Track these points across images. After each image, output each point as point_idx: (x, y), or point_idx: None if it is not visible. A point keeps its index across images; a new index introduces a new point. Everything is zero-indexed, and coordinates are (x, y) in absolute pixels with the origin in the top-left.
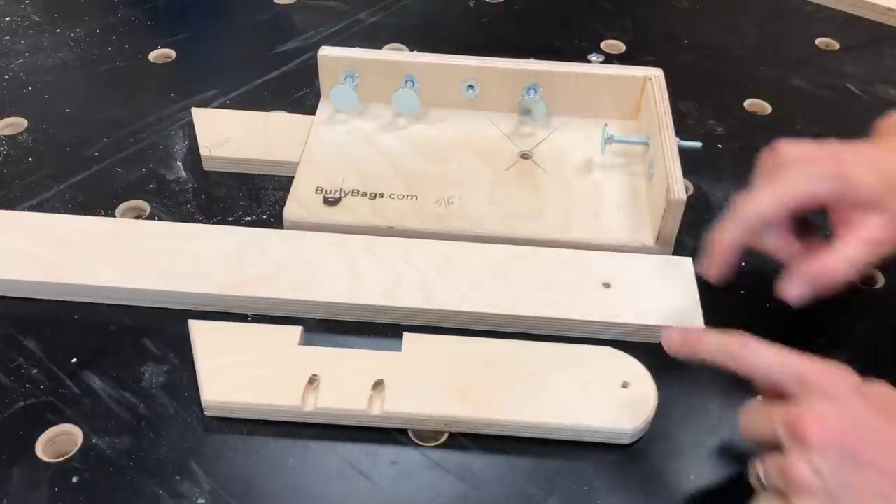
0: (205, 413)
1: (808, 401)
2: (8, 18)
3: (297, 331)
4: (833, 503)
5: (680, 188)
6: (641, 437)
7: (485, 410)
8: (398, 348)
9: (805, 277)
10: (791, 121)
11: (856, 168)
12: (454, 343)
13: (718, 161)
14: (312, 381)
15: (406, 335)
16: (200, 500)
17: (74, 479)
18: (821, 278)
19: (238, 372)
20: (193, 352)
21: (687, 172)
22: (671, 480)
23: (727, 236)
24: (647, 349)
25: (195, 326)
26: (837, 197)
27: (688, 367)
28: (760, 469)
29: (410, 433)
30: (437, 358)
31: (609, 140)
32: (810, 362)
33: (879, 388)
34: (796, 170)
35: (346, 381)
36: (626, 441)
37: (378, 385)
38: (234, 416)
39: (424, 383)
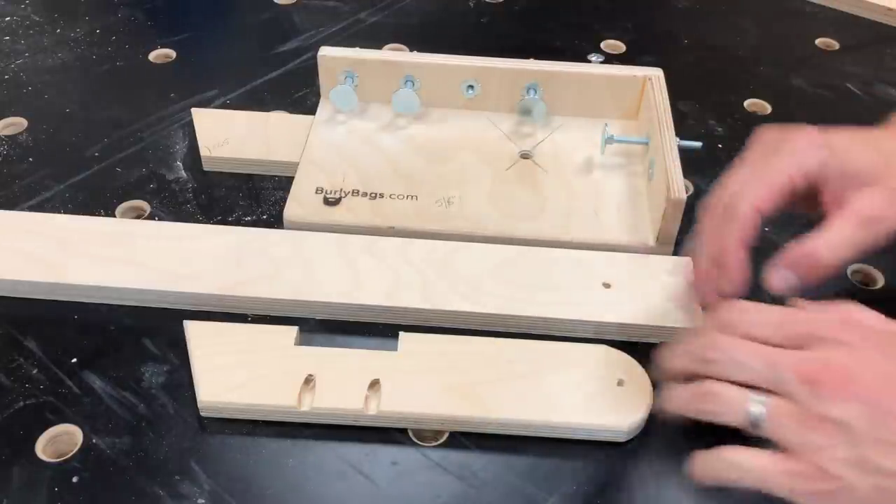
0: (200, 414)
1: (822, 349)
2: (8, 18)
3: (293, 331)
4: (855, 455)
5: (680, 188)
6: (642, 437)
7: (481, 409)
8: (396, 348)
9: (788, 264)
10: (791, 121)
11: (845, 141)
12: (450, 342)
13: (718, 161)
14: (308, 380)
15: (402, 335)
16: (200, 500)
17: (74, 479)
18: (805, 265)
19: (234, 372)
20: (189, 352)
21: (687, 172)
22: (672, 481)
23: (733, 242)
24: (648, 349)
25: (191, 327)
26: (827, 168)
27: None
28: (757, 409)
29: (410, 433)
30: (434, 357)
31: (609, 140)
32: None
33: (878, 323)
34: (781, 151)
35: (342, 381)
36: (623, 439)
37: (374, 384)
38: (230, 416)
39: (421, 382)
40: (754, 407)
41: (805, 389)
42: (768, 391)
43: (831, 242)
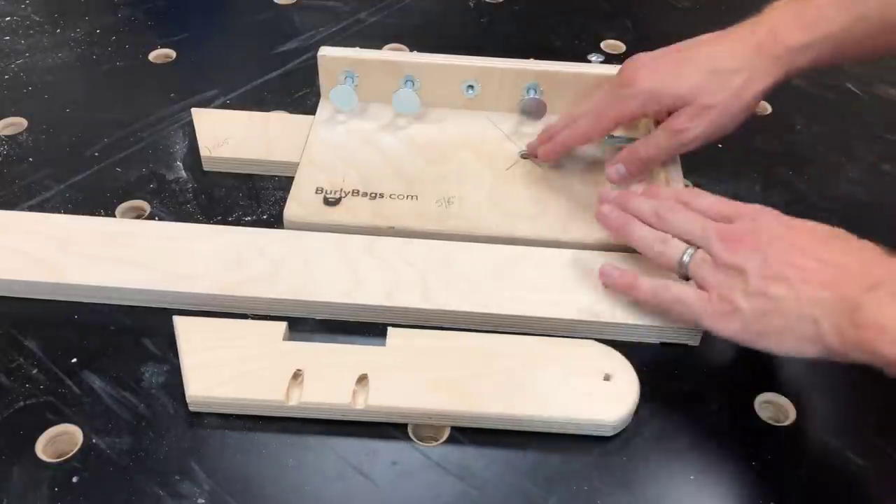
0: (190, 409)
1: (739, 222)
2: (8, 18)
3: (281, 326)
4: (746, 287)
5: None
6: (639, 435)
7: (468, 403)
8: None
9: (619, 160)
10: (791, 121)
11: (667, 78)
12: (438, 337)
13: (718, 161)
14: (297, 375)
15: (390, 330)
16: (200, 500)
17: (74, 479)
18: (629, 160)
19: (222, 367)
20: (178, 347)
21: (687, 172)
22: (671, 480)
23: (552, 149)
24: (647, 349)
25: (180, 322)
26: (646, 109)
27: (684, 367)
28: (686, 257)
29: (410, 433)
30: (422, 352)
31: (609, 140)
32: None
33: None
34: (611, 93)
35: (330, 376)
36: (609, 433)
37: (362, 379)
38: (220, 411)
39: (408, 377)
40: (685, 256)
41: (720, 245)
42: (697, 246)
43: (647, 145)
